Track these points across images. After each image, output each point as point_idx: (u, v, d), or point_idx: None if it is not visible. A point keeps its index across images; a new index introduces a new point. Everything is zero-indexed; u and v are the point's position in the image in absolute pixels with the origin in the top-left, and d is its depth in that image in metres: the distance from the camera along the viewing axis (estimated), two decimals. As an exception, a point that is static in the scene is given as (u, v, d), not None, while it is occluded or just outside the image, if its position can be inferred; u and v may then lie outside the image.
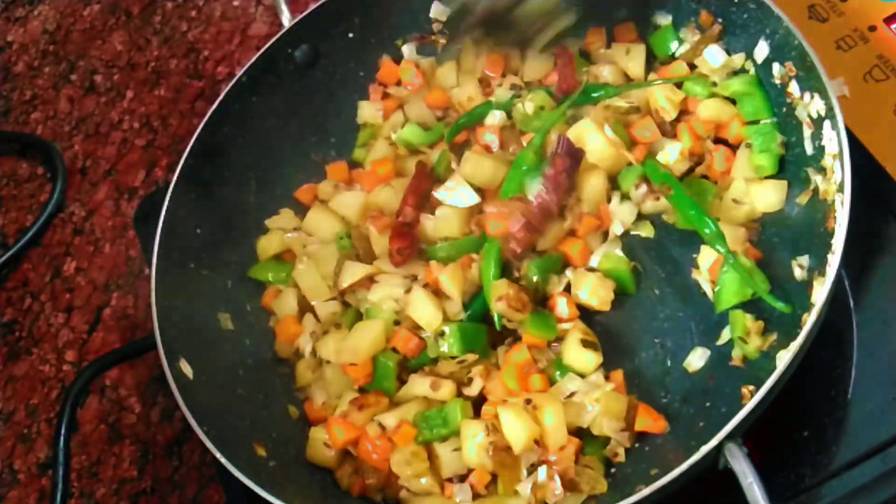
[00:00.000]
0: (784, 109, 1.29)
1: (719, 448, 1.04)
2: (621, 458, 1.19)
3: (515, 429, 1.17)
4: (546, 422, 1.18)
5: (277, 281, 1.43)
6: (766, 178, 1.30)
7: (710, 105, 1.35)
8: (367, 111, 1.55)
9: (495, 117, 1.44)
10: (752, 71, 1.34)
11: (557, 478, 1.15)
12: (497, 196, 1.34)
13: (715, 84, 1.35)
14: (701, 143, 1.34)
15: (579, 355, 1.24)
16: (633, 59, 1.43)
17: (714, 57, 1.36)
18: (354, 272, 1.37)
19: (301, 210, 1.50)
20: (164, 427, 1.49)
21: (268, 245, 1.46)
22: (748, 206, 1.29)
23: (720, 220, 1.25)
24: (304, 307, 1.40)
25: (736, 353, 1.21)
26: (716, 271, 1.24)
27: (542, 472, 1.17)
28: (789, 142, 1.29)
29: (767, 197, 1.28)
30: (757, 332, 1.19)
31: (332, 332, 1.36)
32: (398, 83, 1.56)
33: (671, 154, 1.32)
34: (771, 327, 1.20)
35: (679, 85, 1.37)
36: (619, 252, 1.32)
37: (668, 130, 1.36)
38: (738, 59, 1.35)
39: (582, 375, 1.24)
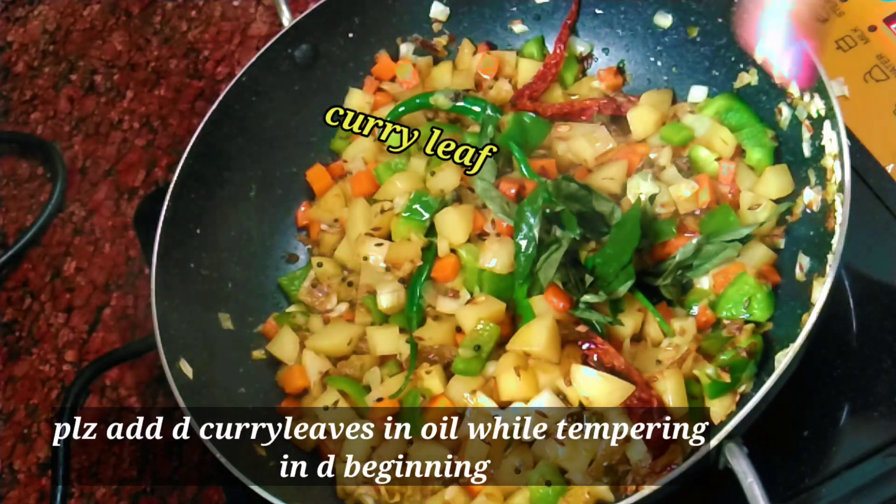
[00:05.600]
0: (774, 111, 1.30)
1: (719, 448, 1.04)
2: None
3: None
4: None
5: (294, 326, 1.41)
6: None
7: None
8: (356, 100, 1.54)
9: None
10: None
11: None
12: None
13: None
14: (716, 193, 1.31)
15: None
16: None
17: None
18: None
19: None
20: (164, 427, 1.49)
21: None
22: (764, 206, 1.27)
23: (750, 241, 1.24)
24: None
25: None
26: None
27: None
28: (788, 143, 1.29)
29: (776, 183, 1.27)
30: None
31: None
32: (393, 79, 1.55)
33: (685, 190, 1.30)
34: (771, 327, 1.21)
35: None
36: None
37: (684, 169, 1.34)
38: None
39: None
